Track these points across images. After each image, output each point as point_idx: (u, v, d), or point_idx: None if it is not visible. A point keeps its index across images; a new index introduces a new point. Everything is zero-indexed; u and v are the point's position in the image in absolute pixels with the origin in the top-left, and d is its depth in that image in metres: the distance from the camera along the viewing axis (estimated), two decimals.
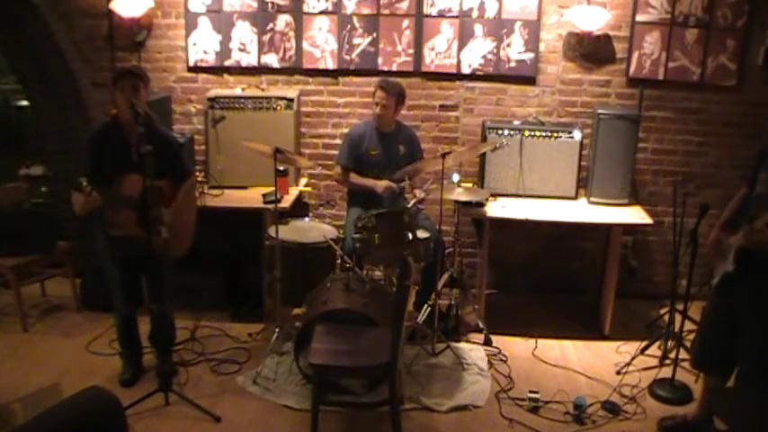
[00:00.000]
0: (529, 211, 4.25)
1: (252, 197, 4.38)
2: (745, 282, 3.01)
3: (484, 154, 4.43)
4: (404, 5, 4.65)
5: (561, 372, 3.96)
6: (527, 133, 4.46)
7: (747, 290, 3.01)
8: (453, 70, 4.74)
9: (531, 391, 3.59)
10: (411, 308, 4.22)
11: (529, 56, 4.68)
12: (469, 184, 4.45)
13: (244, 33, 4.74)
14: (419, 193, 4.14)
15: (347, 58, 4.76)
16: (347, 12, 4.68)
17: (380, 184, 4.23)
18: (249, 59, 4.79)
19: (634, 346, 4.08)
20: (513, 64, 4.70)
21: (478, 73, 4.74)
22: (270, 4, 4.69)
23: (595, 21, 4.48)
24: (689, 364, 3.56)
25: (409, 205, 3.96)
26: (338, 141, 4.64)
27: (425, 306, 4.20)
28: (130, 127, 3.33)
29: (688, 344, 3.89)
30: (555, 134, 4.48)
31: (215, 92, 4.63)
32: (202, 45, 4.77)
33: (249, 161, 4.33)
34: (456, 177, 4.28)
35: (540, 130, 4.48)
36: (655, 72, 4.63)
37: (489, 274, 4.61)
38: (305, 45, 4.75)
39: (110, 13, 4.67)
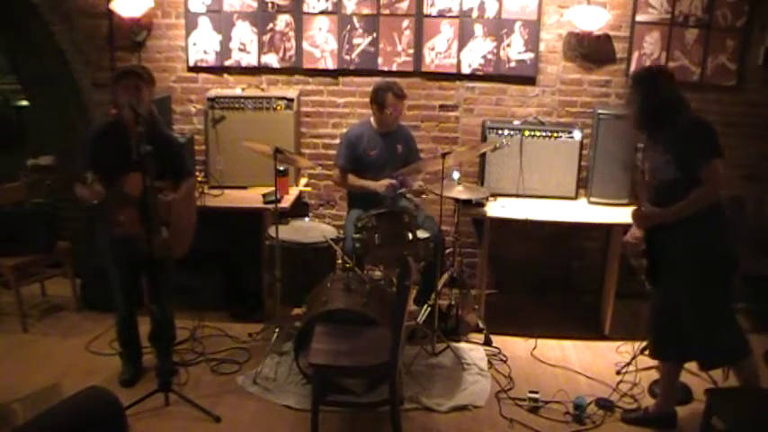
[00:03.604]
0: (529, 211, 4.25)
1: (252, 197, 4.38)
2: (669, 266, 3.18)
3: (484, 154, 4.43)
4: (404, 5, 4.65)
5: (561, 372, 3.96)
6: (527, 133, 4.47)
7: (674, 274, 3.16)
8: (453, 70, 4.74)
9: (531, 391, 3.59)
10: (411, 308, 4.22)
11: (529, 56, 4.68)
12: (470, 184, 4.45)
13: (244, 33, 4.74)
14: (414, 184, 4.14)
15: (347, 58, 4.76)
16: (347, 12, 4.68)
17: (381, 184, 4.24)
18: (249, 59, 4.79)
19: (634, 346, 4.08)
20: (513, 64, 4.70)
21: (478, 73, 4.74)
22: (270, 4, 4.70)
23: (595, 21, 4.48)
24: (648, 355, 3.60)
25: (401, 191, 3.97)
26: (338, 141, 4.64)
27: (425, 306, 4.20)
28: (132, 127, 3.33)
29: None
30: (555, 134, 4.48)
31: (215, 92, 4.64)
32: (202, 45, 4.77)
33: (249, 161, 4.33)
34: (456, 175, 4.27)
35: (540, 130, 4.48)
36: None
37: (489, 274, 4.61)
38: (305, 45, 4.75)
39: (110, 13, 4.67)
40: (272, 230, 3.98)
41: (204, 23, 4.73)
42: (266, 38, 4.76)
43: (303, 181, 4.86)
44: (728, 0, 4.49)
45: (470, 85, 4.80)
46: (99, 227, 3.57)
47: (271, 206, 4.08)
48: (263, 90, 4.72)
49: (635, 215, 3.26)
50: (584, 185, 4.56)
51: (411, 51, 4.72)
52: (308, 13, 4.70)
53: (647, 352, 4.06)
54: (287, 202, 4.35)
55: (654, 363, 3.98)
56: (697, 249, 3.09)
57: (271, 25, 4.73)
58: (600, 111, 4.37)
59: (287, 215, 4.32)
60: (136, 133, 3.23)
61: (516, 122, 4.60)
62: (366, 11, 4.68)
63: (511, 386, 3.76)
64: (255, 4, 4.69)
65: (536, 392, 3.57)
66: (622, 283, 4.41)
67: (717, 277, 3.12)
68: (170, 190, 3.55)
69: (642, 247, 3.27)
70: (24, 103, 5.86)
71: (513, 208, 4.32)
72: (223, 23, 4.73)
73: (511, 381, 3.81)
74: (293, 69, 4.82)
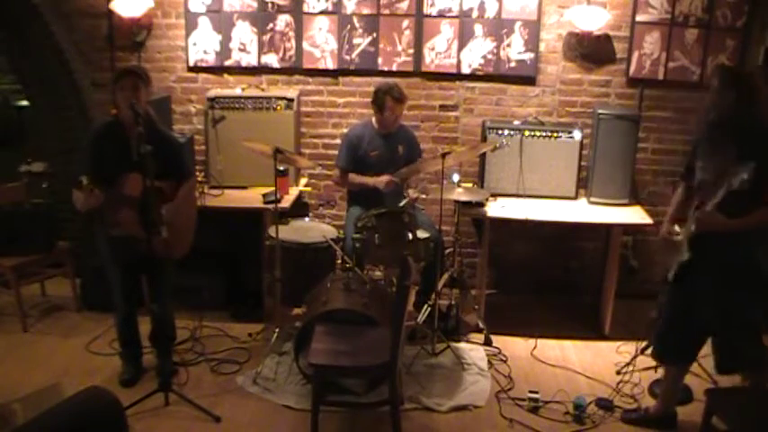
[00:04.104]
0: (529, 211, 4.25)
1: (252, 197, 4.38)
2: (701, 268, 3.10)
3: (484, 154, 4.43)
4: (404, 5, 4.65)
5: (561, 372, 3.96)
6: (527, 133, 4.47)
7: (704, 275, 3.09)
8: (453, 70, 4.74)
9: (530, 391, 3.59)
10: (411, 308, 4.22)
11: (529, 56, 4.68)
12: (469, 185, 4.45)
13: (244, 33, 4.74)
14: (413, 193, 4.15)
15: (347, 58, 4.76)
16: (347, 12, 4.68)
17: (382, 180, 4.24)
18: (249, 59, 4.79)
19: (634, 346, 4.08)
20: (513, 64, 4.70)
21: (478, 73, 4.74)
22: (270, 4, 4.70)
23: (595, 21, 4.48)
24: (651, 356, 3.59)
25: (401, 204, 3.97)
26: (338, 141, 4.64)
27: (425, 306, 4.20)
28: (131, 127, 3.33)
29: None
30: (555, 134, 4.48)
31: (215, 92, 4.63)
32: (202, 45, 4.77)
33: (249, 161, 4.33)
34: (456, 177, 4.28)
35: (540, 130, 4.48)
36: (655, 72, 4.63)
37: (489, 274, 4.61)
38: (305, 45, 4.75)
39: (110, 13, 4.67)
40: (272, 230, 3.98)
41: (204, 23, 4.73)
42: (266, 38, 4.76)
43: (303, 181, 4.86)
44: (728, 0, 4.49)
45: (470, 85, 4.79)
46: (98, 227, 3.56)
47: (271, 206, 4.07)
48: (263, 90, 4.72)
49: (703, 216, 3.03)
50: (584, 185, 4.56)
51: (411, 51, 4.72)
52: (308, 13, 4.70)
53: (647, 352, 4.08)
54: (287, 202, 4.35)
55: (653, 363, 3.99)
56: (726, 252, 3.03)
57: (271, 25, 4.73)
58: (600, 111, 4.36)
59: (287, 215, 4.32)
60: (135, 133, 3.24)
61: (516, 122, 4.60)
62: (366, 11, 4.68)
63: (511, 386, 3.76)
64: (255, 4, 4.69)
65: (536, 392, 3.57)
66: (622, 283, 4.41)
67: (744, 283, 3.05)
68: (170, 190, 3.55)
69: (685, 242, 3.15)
70: (24, 103, 5.86)
71: (513, 208, 4.31)
72: (223, 23, 4.73)
73: (511, 381, 3.81)
74: (293, 69, 4.82)
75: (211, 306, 4.52)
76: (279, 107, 4.54)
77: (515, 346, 4.21)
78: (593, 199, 4.45)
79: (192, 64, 4.82)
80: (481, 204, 4.27)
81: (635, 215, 4.33)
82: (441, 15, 4.65)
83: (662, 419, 3.39)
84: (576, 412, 3.46)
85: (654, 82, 4.67)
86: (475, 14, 4.64)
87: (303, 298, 3.92)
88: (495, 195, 4.44)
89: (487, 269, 4.47)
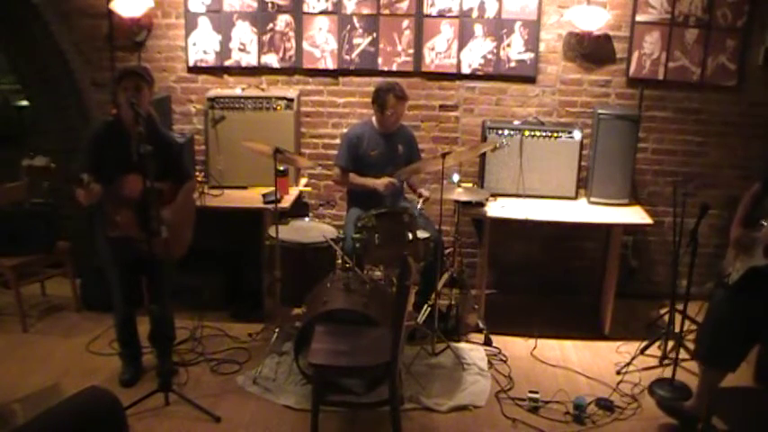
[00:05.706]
0: (529, 211, 4.25)
1: (252, 197, 4.38)
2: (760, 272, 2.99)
3: (484, 154, 4.43)
4: (404, 5, 4.65)
5: (561, 372, 3.96)
6: (527, 133, 4.46)
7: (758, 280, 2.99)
8: (453, 70, 4.74)
9: (530, 391, 3.59)
10: (411, 308, 4.22)
11: (529, 56, 4.68)
12: (469, 184, 4.45)
13: (244, 33, 4.74)
14: (425, 192, 4.15)
15: (347, 58, 4.76)
16: (347, 12, 4.68)
17: (381, 182, 4.24)
18: (249, 59, 4.79)
19: (634, 346, 4.08)
20: (513, 64, 4.70)
21: (478, 73, 4.74)
22: (270, 4, 4.70)
23: (595, 21, 4.48)
24: (695, 355, 3.53)
25: (419, 206, 4.00)
26: (338, 141, 4.64)
27: (425, 306, 4.19)
28: (132, 127, 3.33)
29: (688, 344, 3.90)
30: (555, 134, 4.48)
31: (215, 92, 4.64)
32: (202, 45, 4.77)
33: (249, 161, 4.33)
34: (456, 177, 4.28)
35: (540, 130, 4.48)
36: (655, 72, 4.63)
37: (489, 274, 4.61)
38: (305, 45, 4.75)
39: (110, 13, 4.67)
40: (272, 230, 3.98)
41: (204, 23, 4.73)
42: (266, 38, 4.76)
43: (303, 181, 4.86)
44: (728, 0, 4.49)
45: (470, 85, 4.80)
46: (98, 227, 3.56)
47: (271, 206, 4.08)
48: (263, 90, 4.71)
49: None
50: (584, 185, 4.56)
51: (411, 51, 4.72)
52: (308, 13, 4.70)
53: (647, 352, 4.09)
54: (287, 202, 4.35)
55: (654, 362, 4.00)
56: None
57: (271, 25, 4.73)
58: (600, 111, 4.36)
59: (287, 215, 4.32)
60: (136, 133, 3.23)
61: (516, 122, 4.60)
62: (366, 11, 4.68)
63: (511, 386, 3.76)
64: (255, 4, 4.69)
65: (536, 392, 3.57)
66: (622, 284, 4.41)
67: None
68: (169, 191, 3.55)
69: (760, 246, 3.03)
70: (24, 102, 5.87)
71: (513, 208, 4.31)
72: (223, 23, 4.73)
73: (511, 381, 3.81)
74: (293, 69, 4.82)
75: (211, 306, 4.51)
76: (279, 107, 4.54)
77: (515, 346, 4.21)
78: (593, 199, 4.44)
79: (191, 64, 4.82)
80: (481, 204, 4.27)
81: (635, 215, 4.33)
82: (441, 15, 4.65)
83: (691, 418, 3.28)
84: (575, 412, 3.46)
85: (654, 82, 4.67)
86: (475, 14, 4.64)
87: (303, 298, 3.91)
88: (495, 195, 4.44)
89: (487, 269, 4.47)
